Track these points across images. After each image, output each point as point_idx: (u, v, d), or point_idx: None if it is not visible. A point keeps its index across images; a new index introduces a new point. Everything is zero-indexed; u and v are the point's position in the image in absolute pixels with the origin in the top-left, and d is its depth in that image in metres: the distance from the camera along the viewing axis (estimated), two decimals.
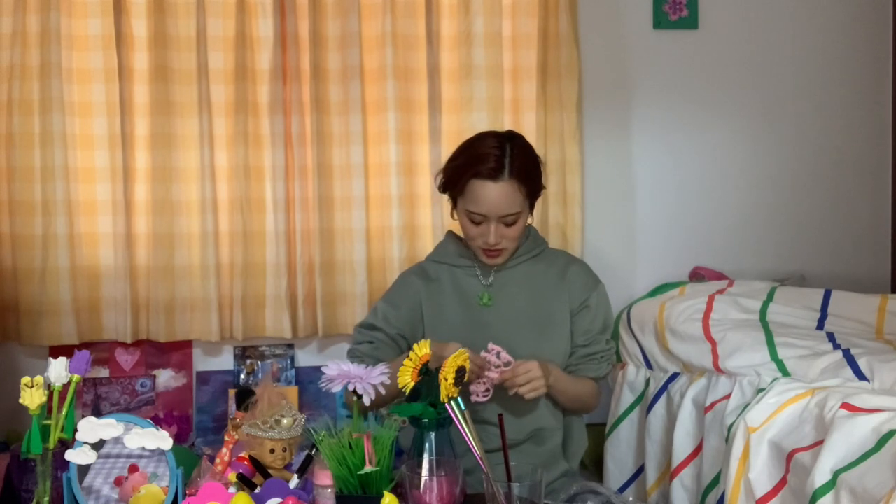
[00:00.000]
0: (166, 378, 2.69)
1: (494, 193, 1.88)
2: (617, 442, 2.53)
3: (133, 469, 1.48)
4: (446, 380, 1.48)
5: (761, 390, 2.04)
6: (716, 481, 2.09)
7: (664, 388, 2.39)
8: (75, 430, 1.43)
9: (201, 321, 2.61)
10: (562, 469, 1.99)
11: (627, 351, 2.54)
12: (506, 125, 2.61)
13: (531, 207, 1.98)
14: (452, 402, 1.48)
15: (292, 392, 2.68)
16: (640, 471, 2.48)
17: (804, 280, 2.80)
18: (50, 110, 2.51)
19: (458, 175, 1.93)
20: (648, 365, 2.47)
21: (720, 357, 2.18)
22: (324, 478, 1.48)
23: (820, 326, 2.28)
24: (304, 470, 1.52)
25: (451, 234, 2.12)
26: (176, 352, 2.69)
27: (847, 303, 2.31)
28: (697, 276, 2.75)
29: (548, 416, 1.99)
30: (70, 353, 1.52)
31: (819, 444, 1.73)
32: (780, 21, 2.88)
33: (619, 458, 2.53)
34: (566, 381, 1.96)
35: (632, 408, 2.51)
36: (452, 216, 2.02)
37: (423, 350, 1.53)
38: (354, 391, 1.52)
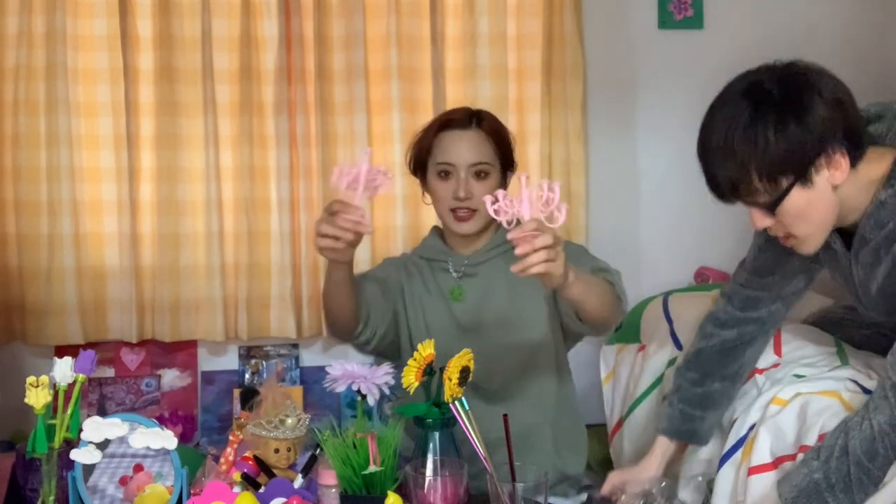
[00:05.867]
0: (171, 378, 2.69)
1: (463, 140, 1.90)
2: (633, 425, 2.48)
3: (138, 468, 1.48)
4: (450, 380, 1.47)
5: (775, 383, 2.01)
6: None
7: None
8: (80, 430, 1.43)
9: (206, 321, 2.61)
10: (560, 471, 1.92)
11: (650, 333, 2.46)
12: (510, 125, 2.59)
13: (504, 178, 1.95)
14: (457, 403, 1.48)
15: (297, 392, 2.69)
16: None
17: None
18: (55, 111, 2.51)
19: (427, 135, 1.95)
20: (678, 345, 2.36)
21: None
22: (328, 477, 1.48)
23: None
24: (308, 470, 1.52)
25: (434, 228, 2.10)
26: (181, 352, 2.70)
27: None
28: (702, 276, 2.75)
29: (528, 411, 1.88)
30: (75, 353, 1.51)
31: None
32: (785, 21, 2.87)
33: (635, 440, 2.47)
34: (584, 276, 1.68)
35: (650, 390, 2.46)
36: (424, 199, 2.02)
37: (427, 350, 1.52)
38: (359, 391, 1.51)
